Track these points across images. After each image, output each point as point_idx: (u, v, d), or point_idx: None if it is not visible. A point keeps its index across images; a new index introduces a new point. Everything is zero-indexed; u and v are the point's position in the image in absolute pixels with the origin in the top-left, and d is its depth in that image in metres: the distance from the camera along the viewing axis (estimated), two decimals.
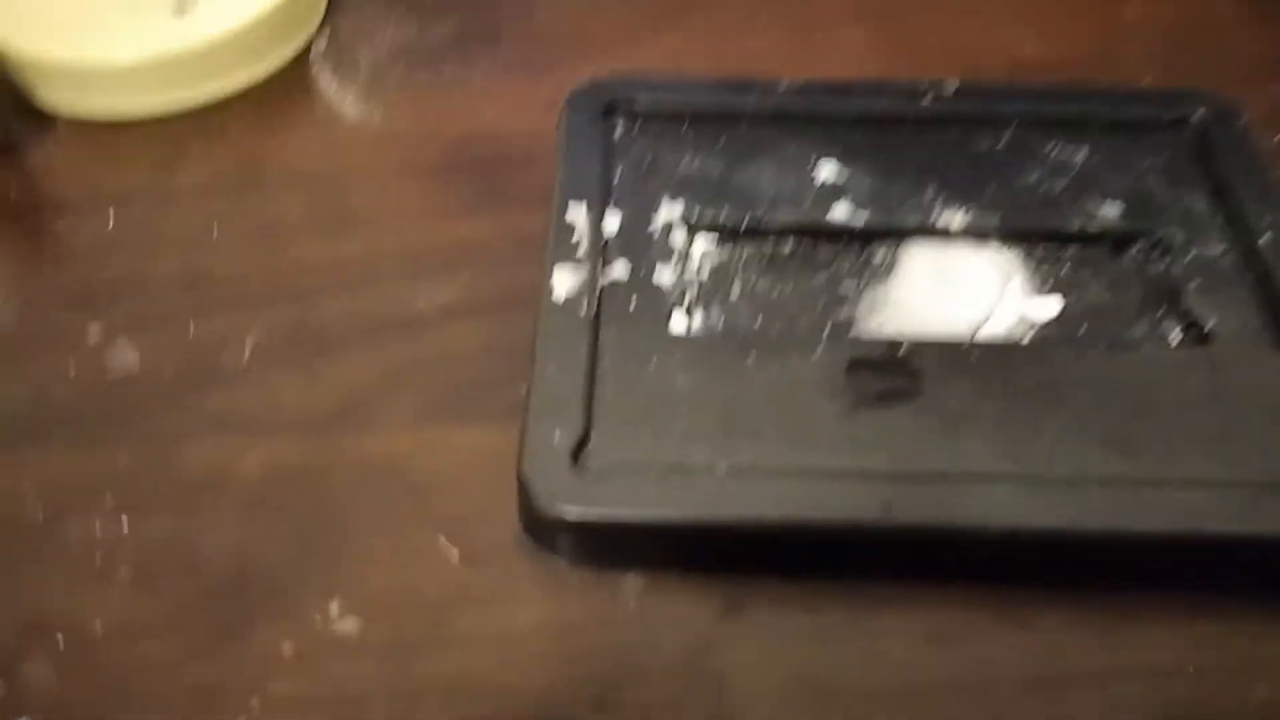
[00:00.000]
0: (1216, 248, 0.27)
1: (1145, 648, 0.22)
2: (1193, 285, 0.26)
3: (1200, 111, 0.30)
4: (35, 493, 0.25)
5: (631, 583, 0.23)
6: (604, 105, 0.31)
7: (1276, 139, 0.32)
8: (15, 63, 0.33)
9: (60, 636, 0.22)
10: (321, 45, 0.36)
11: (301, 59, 0.35)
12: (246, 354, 0.27)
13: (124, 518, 0.24)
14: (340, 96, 0.34)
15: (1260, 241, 0.27)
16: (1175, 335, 0.26)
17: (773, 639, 0.22)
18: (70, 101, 0.33)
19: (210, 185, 0.32)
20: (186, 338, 0.28)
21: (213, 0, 0.34)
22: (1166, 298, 0.26)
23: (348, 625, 0.22)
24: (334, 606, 0.23)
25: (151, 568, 0.23)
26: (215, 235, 0.30)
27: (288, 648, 0.22)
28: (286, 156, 0.32)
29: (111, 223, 0.31)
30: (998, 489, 0.22)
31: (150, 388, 0.27)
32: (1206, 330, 0.25)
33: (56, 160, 0.32)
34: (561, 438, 0.23)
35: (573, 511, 0.22)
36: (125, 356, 0.27)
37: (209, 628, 0.22)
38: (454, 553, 0.23)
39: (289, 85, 0.35)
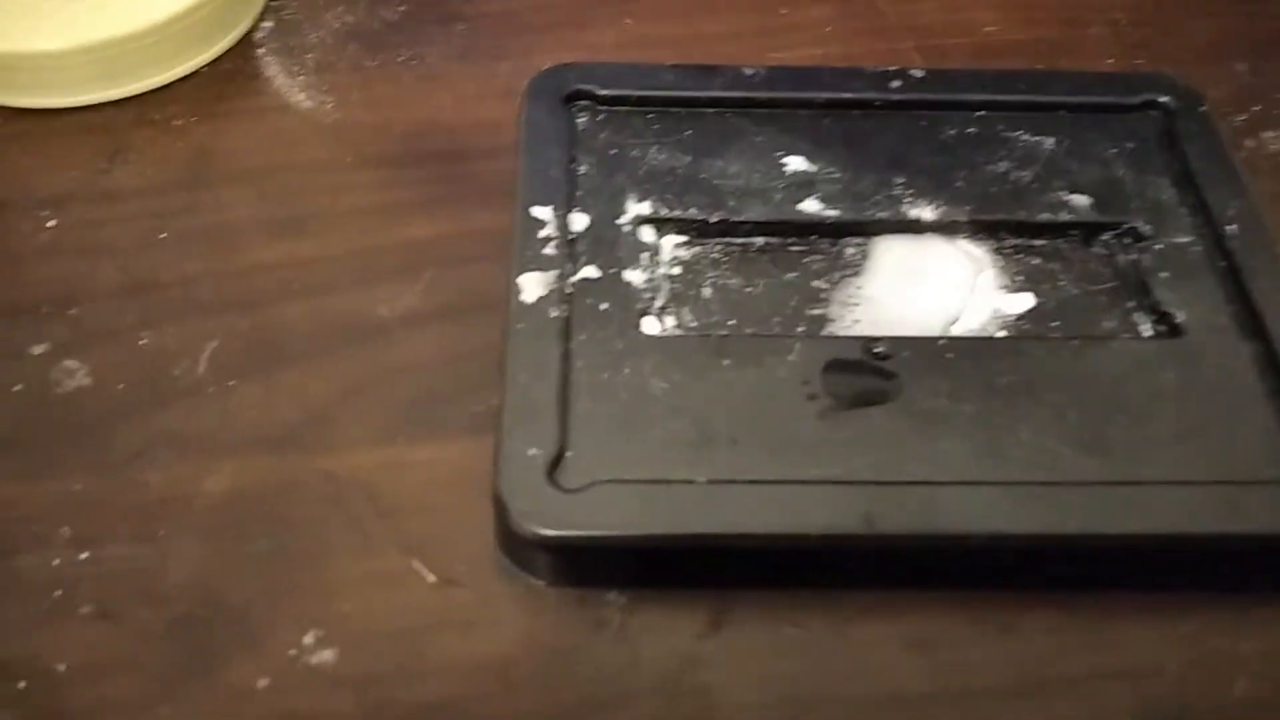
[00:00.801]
0: (1185, 237, 0.27)
1: (1126, 649, 0.22)
2: (1163, 276, 0.26)
3: (1164, 97, 0.29)
4: None
5: (614, 601, 0.23)
6: (565, 94, 0.30)
7: (1239, 121, 0.32)
8: None
9: (23, 681, 0.21)
10: (267, 29, 0.34)
11: (246, 44, 0.34)
12: (202, 367, 0.26)
13: (82, 548, 0.23)
14: (289, 84, 0.33)
15: (1226, 229, 0.27)
16: (1147, 327, 0.26)
17: (758, 653, 0.22)
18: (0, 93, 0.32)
19: (154, 183, 0.30)
20: (137, 350, 0.26)
21: None
22: (1137, 289, 0.26)
23: (323, 656, 0.22)
24: (308, 637, 0.22)
25: (114, 601, 0.22)
26: (162, 238, 0.29)
27: (261, 682, 0.21)
28: (234, 150, 0.31)
29: (49, 226, 0.29)
30: (976, 495, 0.22)
31: (102, 405, 0.25)
32: (1178, 322, 0.25)
33: None
34: (537, 453, 0.22)
35: (551, 531, 0.22)
36: (74, 372, 0.26)
37: (179, 663, 0.22)
38: (429, 576, 0.23)
39: (234, 72, 0.33)
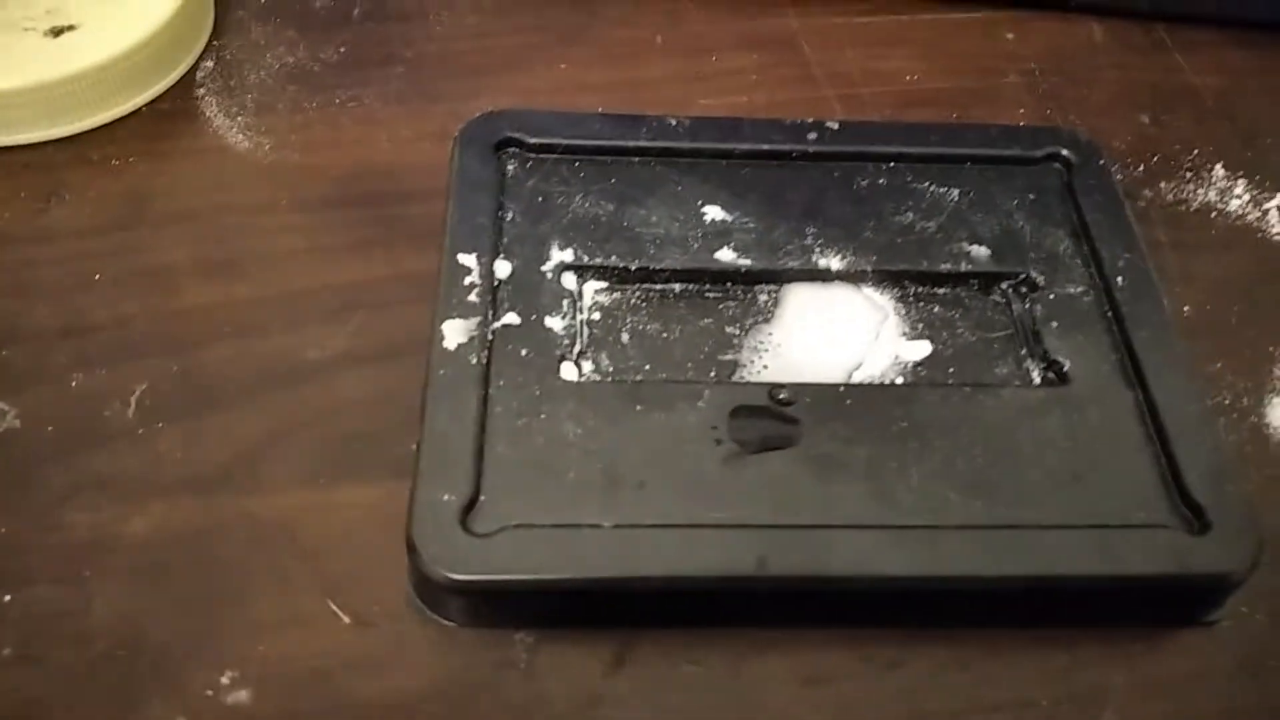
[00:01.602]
0: (1076, 287, 0.28)
1: (1004, 684, 0.24)
2: (1054, 325, 0.28)
3: (1065, 150, 0.31)
4: None
5: (522, 640, 0.24)
6: (495, 141, 0.31)
7: (1138, 171, 0.34)
8: None
9: None
10: (208, 68, 0.35)
11: (187, 84, 0.35)
12: (131, 409, 0.27)
13: (5, 591, 0.24)
14: (227, 124, 0.34)
15: (1115, 281, 0.28)
16: (1036, 375, 0.27)
17: (659, 689, 0.23)
18: None
19: (91, 224, 0.31)
20: (68, 392, 0.27)
21: (91, 23, 0.33)
22: (1030, 337, 0.28)
23: (239, 695, 0.23)
24: (225, 677, 0.23)
25: (37, 642, 0.23)
26: (97, 279, 0.30)
27: None
28: (171, 190, 0.32)
29: None
30: (866, 538, 0.23)
31: (30, 448, 0.26)
32: (1065, 370, 0.27)
33: None
34: (450, 498, 0.23)
35: (461, 575, 0.23)
36: (3, 414, 0.27)
37: (99, 704, 0.22)
38: (344, 618, 0.24)
39: (173, 112, 0.34)
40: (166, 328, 0.29)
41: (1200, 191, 0.33)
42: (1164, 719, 0.24)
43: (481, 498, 0.24)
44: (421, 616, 0.24)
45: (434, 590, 0.23)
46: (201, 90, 0.35)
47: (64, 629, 0.23)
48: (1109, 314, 0.28)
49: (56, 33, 0.33)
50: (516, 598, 0.23)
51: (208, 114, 0.34)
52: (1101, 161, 0.31)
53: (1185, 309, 0.30)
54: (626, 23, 0.37)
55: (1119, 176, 0.32)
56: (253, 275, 0.30)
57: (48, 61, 0.32)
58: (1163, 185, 0.33)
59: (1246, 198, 0.33)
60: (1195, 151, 0.34)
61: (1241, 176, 0.34)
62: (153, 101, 0.34)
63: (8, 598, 0.24)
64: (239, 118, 0.34)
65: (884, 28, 0.38)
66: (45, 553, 0.24)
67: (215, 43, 0.36)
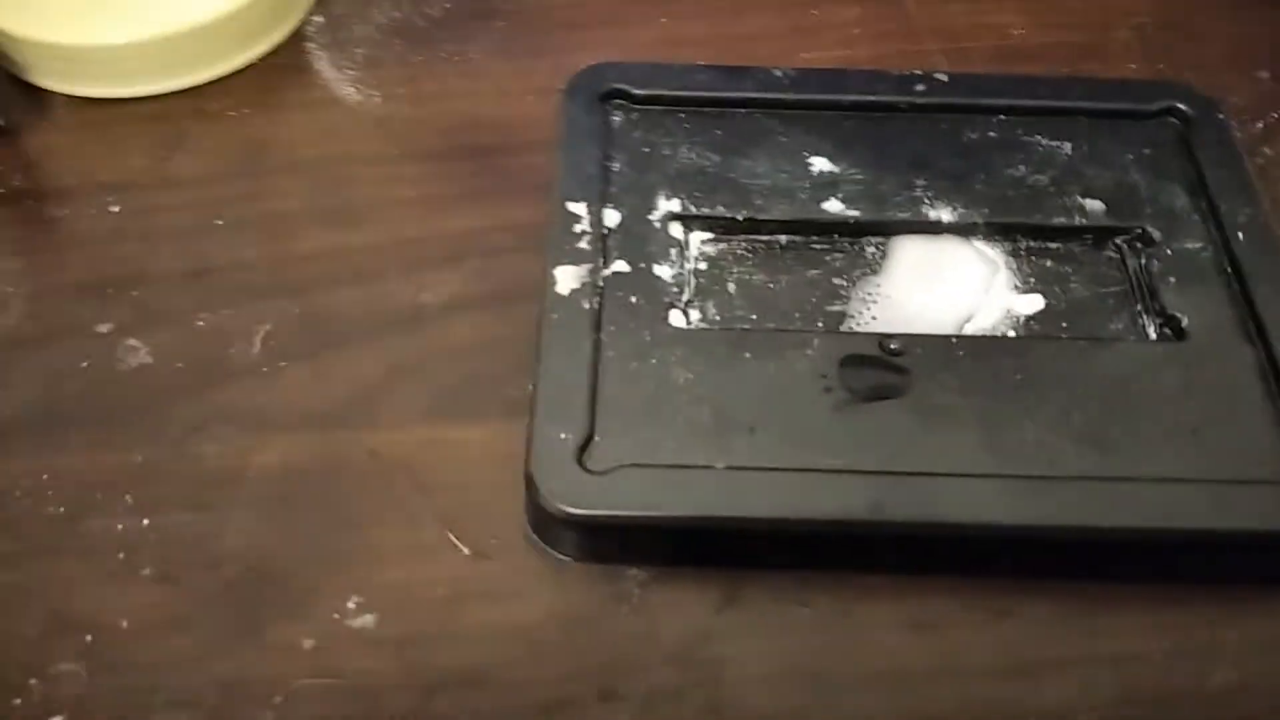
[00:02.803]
0: (1194, 243, 0.28)
1: (1115, 635, 0.23)
2: (1171, 280, 0.27)
3: (1181, 105, 0.30)
4: (55, 490, 0.25)
5: (634, 576, 0.24)
6: (601, 93, 0.31)
7: (1257, 128, 0.33)
8: (11, 44, 0.33)
9: (89, 635, 0.23)
10: (317, 24, 0.36)
11: (297, 38, 0.35)
12: (255, 348, 0.28)
13: (143, 515, 0.25)
14: (337, 78, 0.34)
15: (1235, 237, 0.28)
16: (1153, 330, 0.27)
17: (767, 629, 0.24)
18: (66, 83, 0.33)
19: (210, 172, 0.32)
20: (195, 331, 0.28)
21: None
22: (1146, 292, 0.27)
23: (364, 620, 0.24)
24: (350, 602, 0.24)
25: (173, 564, 0.24)
26: (218, 224, 0.31)
27: (307, 642, 0.23)
28: (285, 141, 0.33)
29: (113, 211, 0.31)
30: (979, 487, 0.23)
31: (161, 382, 0.27)
32: (1183, 326, 0.26)
33: (55, 144, 0.33)
34: (567, 437, 0.24)
35: (578, 510, 0.23)
36: (136, 350, 0.28)
37: (231, 623, 0.24)
38: (463, 549, 0.24)
39: (285, 66, 0.35)
40: (286, 271, 0.30)
41: None
42: (1279, 678, 0.23)
43: (596, 437, 0.24)
44: (537, 550, 0.24)
45: (550, 524, 0.24)
46: (311, 45, 0.35)
47: (198, 553, 0.25)
48: (1228, 270, 0.27)
49: None
50: (630, 534, 0.24)
51: (318, 67, 0.35)
52: (1220, 116, 0.30)
53: None
54: None
55: (1237, 134, 0.31)
56: (367, 223, 0.31)
57: (168, 15, 0.33)
58: None
59: None
60: None
61: None
62: (266, 55, 0.35)
63: (145, 521, 0.25)
64: (348, 71, 0.35)
65: None
66: (178, 481, 0.26)
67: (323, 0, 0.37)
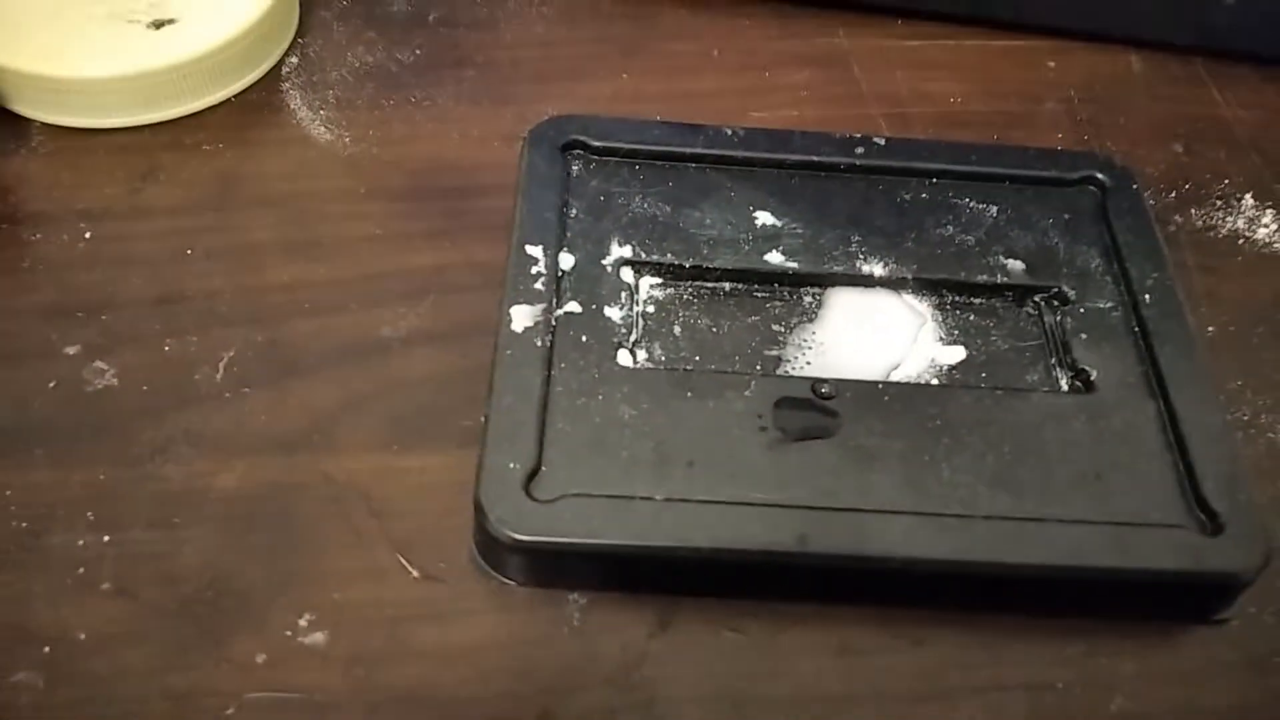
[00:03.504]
0: (1105, 303, 0.30)
1: (1022, 665, 0.25)
2: (1083, 336, 0.29)
3: (1100, 174, 0.33)
4: (19, 505, 0.26)
5: (575, 602, 0.25)
6: (562, 143, 0.33)
7: (1170, 198, 0.35)
8: None
9: (47, 646, 0.24)
10: (293, 64, 0.37)
11: (273, 78, 0.37)
12: (219, 374, 0.29)
13: (104, 532, 0.26)
14: (310, 117, 0.36)
15: (1143, 299, 0.30)
16: (1064, 382, 0.29)
17: (699, 653, 0.25)
18: (45, 112, 0.35)
19: (182, 203, 0.33)
20: (161, 355, 0.29)
21: (189, 18, 0.35)
22: (1059, 347, 0.30)
23: (315, 637, 0.25)
24: (302, 620, 0.25)
25: (132, 580, 0.25)
26: (189, 253, 0.32)
27: (260, 657, 0.24)
28: (257, 176, 0.34)
29: (86, 237, 0.32)
30: (900, 523, 0.25)
31: (127, 404, 0.28)
32: (1092, 379, 0.29)
33: (32, 170, 0.34)
34: (515, 467, 0.25)
35: (524, 536, 0.25)
36: (103, 372, 0.29)
37: (187, 638, 0.25)
38: (412, 572, 0.26)
39: (260, 104, 0.36)
40: (252, 301, 0.31)
41: (1229, 219, 0.35)
42: (1173, 707, 0.25)
43: (543, 468, 0.26)
44: (484, 574, 0.26)
45: (497, 550, 0.25)
46: (286, 84, 0.37)
47: (156, 569, 0.26)
48: (1136, 329, 0.30)
49: (158, 26, 0.35)
50: (573, 560, 0.25)
51: (292, 106, 0.36)
52: (1135, 186, 0.33)
53: (1210, 329, 0.32)
54: (684, 37, 0.39)
55: (1151, 202, 0.34)
56: (332, 257, 0.32)
57: (148, 52, 0.34)
58: (1193, 212, 0.35)
59: (1274, 227, 0.35)
60: (1226, 181, 0.36)
61: (1270, 207, 0.35)
62: (241, 93, 0.36)
63: (106, 538, 0.26)
64: (321, 111, 0.36)
65: (930, 52, 0.39)
66: (140, 500, 0.27)
67: (300, 40, 0.38)
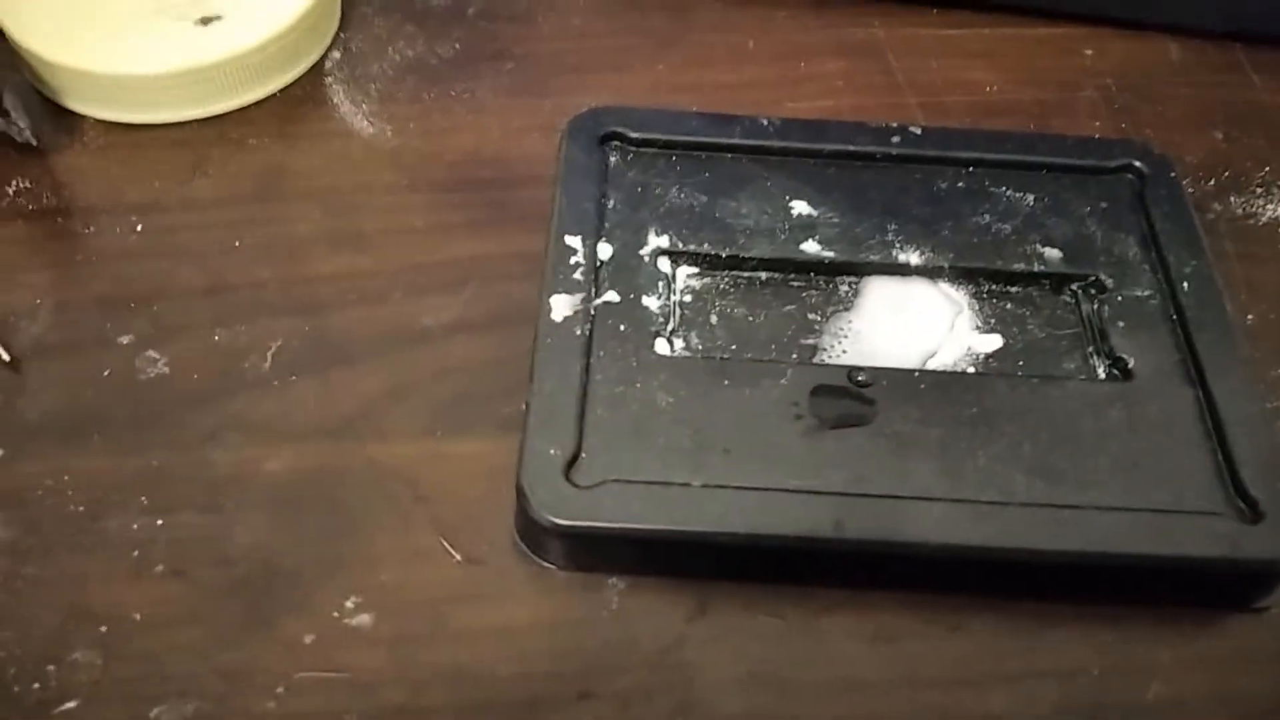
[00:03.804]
0: (1143, 291, 0.30)
1: (1058, 651, 0.25)
2: (1120, 325, 0.29)
3: (1138, 162, 0.33)
4: (75, 490, 0.27)
5: (614, 585, 0.26)
6: (600, 134, 0.33)
7: (1209, 185, 0.35)
8: (47, 69, 0.35)
9: (104, 626, 0.25)
10: (335, 59, 0.38)
11: (316, 72, 0.38)
12: (267, 362, 0.30)
13: (158, 515, 0.27)
14: (353, 111, 0.37)
15: (1181, 287, 0.30)
16: (1101, 370, 0.29)
17: (737, 637, 0.25)
18: (97, 108, 0.36)
19: (230, 196, 0.34)
20: (211, 345, 0.30)
21: (234, 15, 0.36)
22: (1097, 335, 0.30)
23: (361, 619, 0.25)
24: (349, 601, 0.25)
25: (184, 561, 0.26)
26: (236, 245, 0.33)
27: (308, 637, 0.25)
28: (302, 169, 0.35)
29: (137, 230, 0.33)
30: (935, 510, 0.25)
31: (178, 392, 0.29)
32: (1129, 367, 0.29)
33: (84, 165, 0.35)
34: (556, 453, 0.26)
35: (565, 521, 0.25)
36: (155, 361, 0.30)
37: (238, 618, 0.25)
38: (456, 555, 0.26)
39: (304, 98, 0.37)
40: (298, 292, 0.31)
41: (1269, 207, 0.35)
42: (1208, 694, 0.25)
43: (583, 454, 0.26)
44: (525, 558, 0.26)
45: (538, 534, 0.26)
46: (329, 79, 0.38)
47: (208, 552, 0.26)
48: (1173, 317, 0.29)
49: (204, 22, 0.36)
50: (612, 544, 0.26)
51: (335, 100, 0.37)
52: (1173, 174, 0.32)
53: (1249, 317, 0.32)
54: (720, 28, 0.40)
55: (1190, 190, 0.34)
56: (375, 248, 0.33)
57: (196, 49, 0.35)
58: (1232, 199, 0.35)
59: None
60: (1266, 169, 0.36)
61: None
62: (286, 88, 0.37)
63: (160, 521, 0.27)
64: (363, 105, 0.37)
65: (967, 40, 0.39)
66: (192, 484, 0.27)
67: (342, 35, 0.39)
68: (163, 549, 0.26)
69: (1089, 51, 0.39)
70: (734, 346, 0.29)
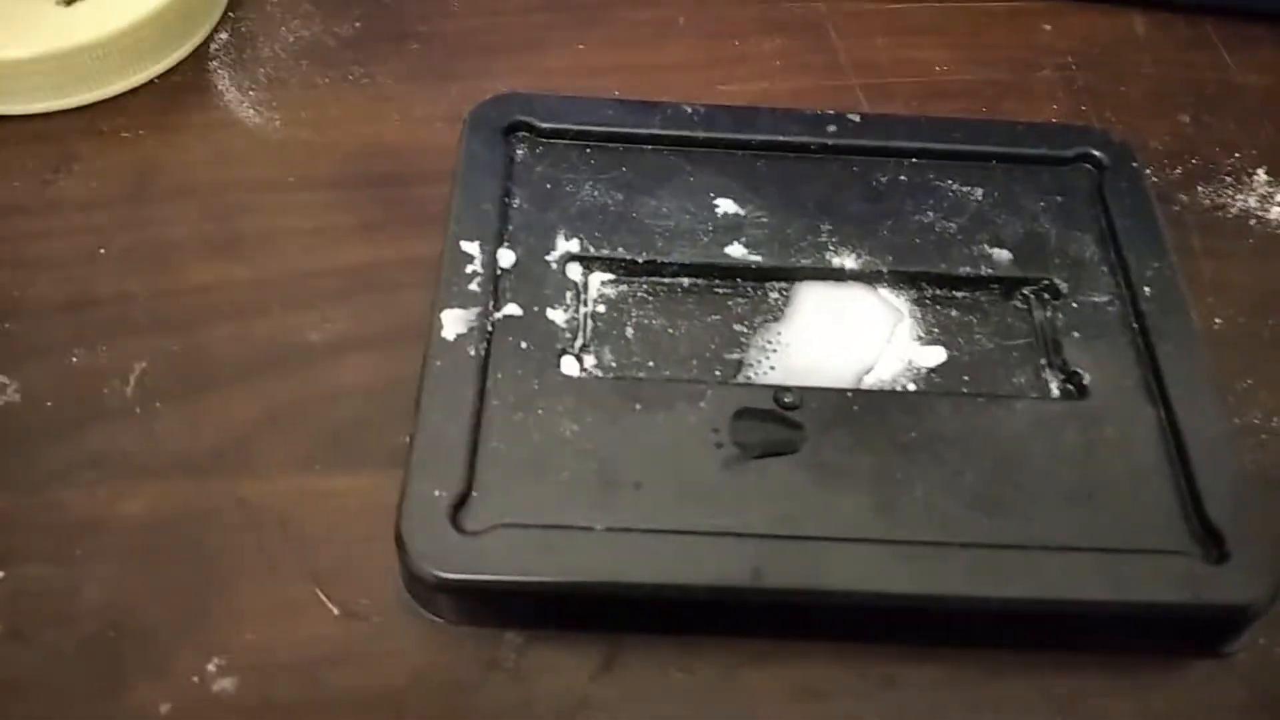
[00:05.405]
0: (1101, 296, 0.27)
1: (1005, 706, 0.23)
2: (1075, 335, 0.27)
3: (1096, 151, 0.30)
4: None
5: (510, 640, 0.23)
6: (505, 125, 0.30)
7: (1175, 174, 0.32)
8: None
9: None
10: (222, 41, 0.35)
11: (200, 56, 0.34)
12: (130, 388, 0.27)
13: None
14: (238, 99, 0.33)
15: (1142, 291, 0.27)
16: (1055, 386, 0.26)
17: (647, 696, 0.23)
18: None
19: (97, 197, 0.31)
20: (68, 368, 0.27)
21: None
22: (1050, 346, 0.27)
23: (224, 684, 0.22)
24: (211, 664, 0.23)
25: (25, 620, 0.23)
26: (102, 253, 0.29)
27: (164, 707, 0.22)
28: (179, 164, 0.31)
29: None
30: (866, 553, 0.23)
31: (29, 423, 0.26)
32: (1084, 382, 0.26)
33: None
34: (441, 494, 0.23)
35: (449, 574, 0.22)
36: (4, 387, 0.27)
37: (85, 685, 0.22)
38: (333, 609, 0.23)
39: (185, 85, 0.33)
40: (168, 305, 0.28)
41: (1240, 197, 0.32)
42: None
43: (473, 494, 0.23)
44: (411, 611, 0.23)
45: (423, 587, 0.23)
46: (214, 63, 0.34)
47: (53, 608, 0.23)
48: (1134, 325, 0.27)
49: (69, 2, 0.32)
50: (505, 598, 0.23)
51: (219, 87, 0.34)
52: (1134, 164, 0.30)
53: (1216, 321, 0.29)
54: (648, 3, 0.36)
55: (1154, 178, 0.31)
56: (256, 255, 0.29)
57: (60, 31, 0.32)
58: (1200, 189, 0.32)
59: None
60: (1237, 154, 0.33)
61: None
62: (165, 73, 0.33)
63: (0, 574, 0.24)
64: (250, 92, 0.33)
65: (915, 15, 0.36)
66: (38, 530, 0.24)
67: (231, 15, 0.35)
68: (2, 607, 0.23)
69: (1047, 27, 0.36)
70: (651, 363, 0.26)
